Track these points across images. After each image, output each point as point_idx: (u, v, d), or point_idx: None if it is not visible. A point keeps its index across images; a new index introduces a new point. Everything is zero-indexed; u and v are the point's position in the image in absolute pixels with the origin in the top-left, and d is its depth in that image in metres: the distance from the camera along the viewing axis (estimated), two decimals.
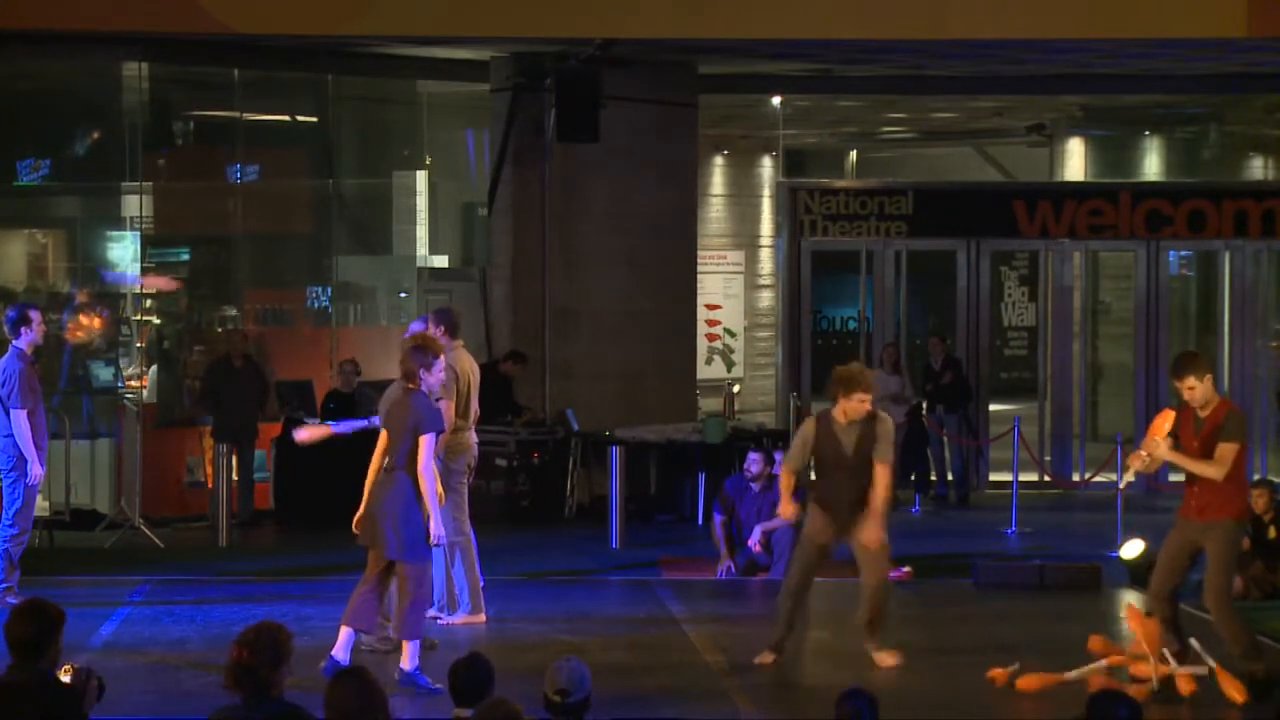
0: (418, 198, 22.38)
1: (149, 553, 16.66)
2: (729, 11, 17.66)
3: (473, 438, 13.19)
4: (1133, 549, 15.21)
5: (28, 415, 13.47)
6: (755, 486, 15.31)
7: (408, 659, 11.11)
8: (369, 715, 6.86)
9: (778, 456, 15.85)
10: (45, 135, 20.00)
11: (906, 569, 15.18)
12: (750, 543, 15.18)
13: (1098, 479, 19.92)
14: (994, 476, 21.19)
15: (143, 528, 17.27)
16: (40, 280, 20.66)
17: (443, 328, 13.08)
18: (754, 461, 15.46)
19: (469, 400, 13.10)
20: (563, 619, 13.39)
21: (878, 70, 21.06)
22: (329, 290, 21.08)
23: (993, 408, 22.19)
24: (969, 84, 21.99)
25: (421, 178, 22.36)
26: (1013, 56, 19.72)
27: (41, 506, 17.02)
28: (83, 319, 19.22)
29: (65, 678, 7.35)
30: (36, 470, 13.54)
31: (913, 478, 20.37)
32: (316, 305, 21.19)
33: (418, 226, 22.38)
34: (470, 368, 13.23)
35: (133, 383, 19.22)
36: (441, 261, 22.28)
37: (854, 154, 29.80)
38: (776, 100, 23.45)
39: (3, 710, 7.23)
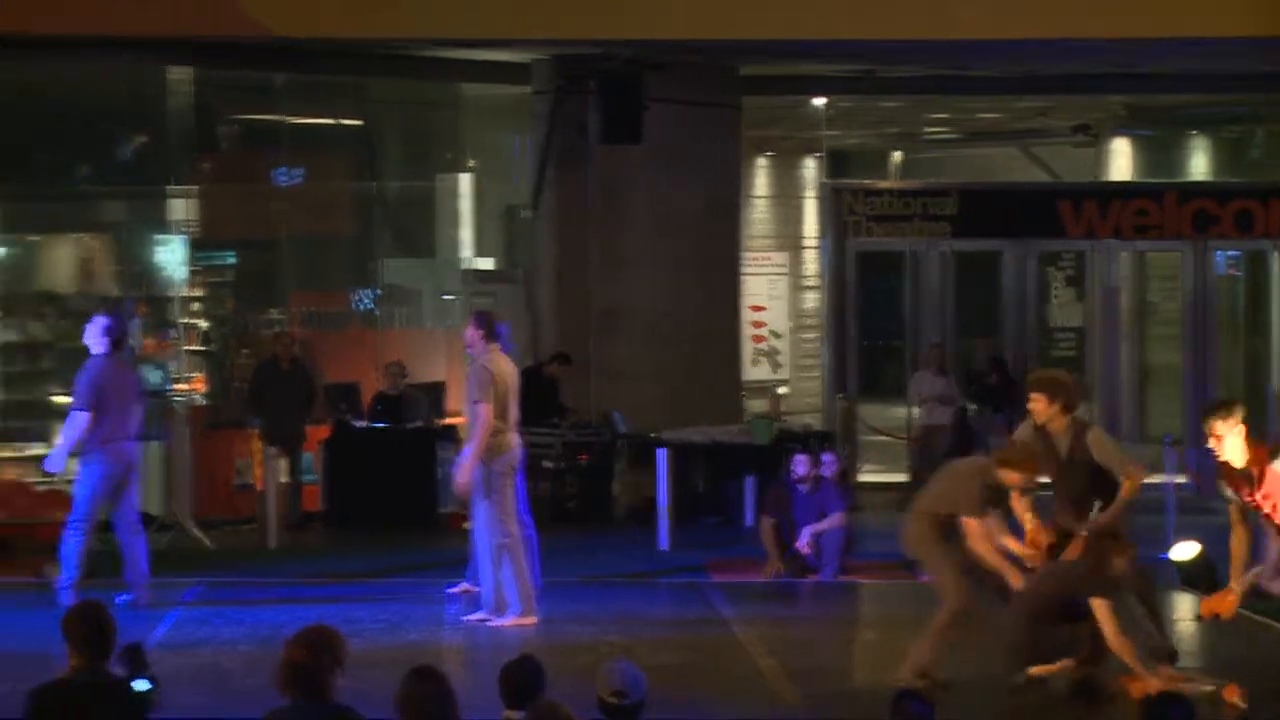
0: (461, 200, 22.41)
1: (199, 554, 16.72)
2: (771, 13, 17.64)
3: (515, 440, 13.18)
4: (1185, 550, 15.06)
5: (91, 416, 13.49)
6: (803, 488, 15.28)
7: None
8: (443, 715, 6.87)
9: (825, 458, 15.83)
10: (92, 140, 20.08)
11: None
12: (799, 545, 15.14)
13: (1146, 480, 19.76)
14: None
15: (192, 530, 17.34)
16: (89, 284, 20.74)
17: (481, 330, 13.09)
18: (800, 464, 15.42)
19: (507, 403, 13.09)
20: (612, 621, 13.37)
21: (920, 71, 21.01)
22: (375, 293, 21.12)
23: None
24: (1012, 84, 21.92)
25: (465, 180, 22.40)
26: (1056, 56, 19.66)
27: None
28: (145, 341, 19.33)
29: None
30: (54, 463, 13.62)
31: None
32: (362, 308, 21.24)
33: (462, 229, 22.41)
34: (509, 370, 13.23)
35: (181, 386, 19.28)
36: (486, 264, 22.30)
37: (898, 155, 29.75)
38: (819, 101, 23.42)
39: (67, 710, 7.27)
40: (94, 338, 13.66)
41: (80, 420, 13.48)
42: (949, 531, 10.93)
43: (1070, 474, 11.07)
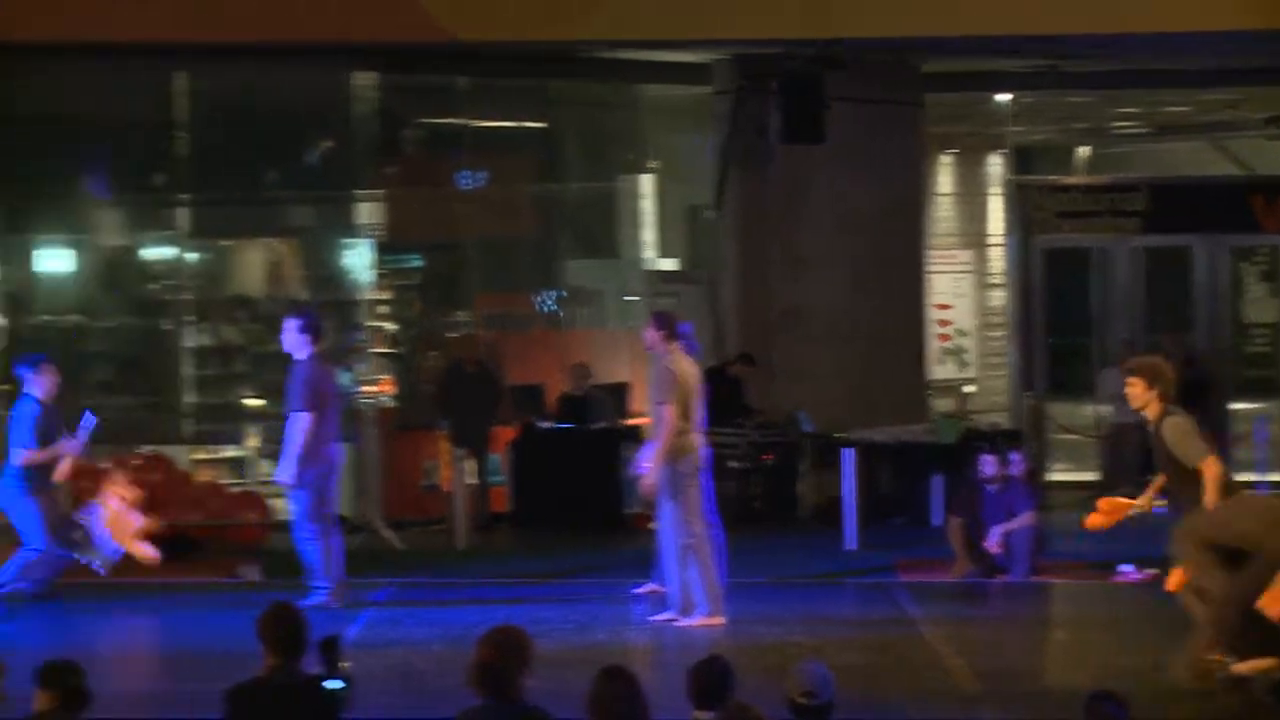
0: (643, 201, 22.46)
1: (390, 555, 16.89)
2: (954, 9, 17.52)
3: (698, 440, 13.14)
4: None
5: (309, 418, 13.56)
6: (992, 488, 15.13)
7: None
8: (634, 715, 6.88)
9: (1013, 457, 15.66)
10: (280, 145, 20.36)
11: (1152, 571, 14.89)
12: (989, 545, 14.99)
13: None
14: (1237, 476, 20.69)
15: (383, 530, 17.53)
16: (278, 287, 21.03)
17: (661, 331, 13.06)
18: (988, 464, 15.27)
19: (691, 403, 13.05)
20: (799, 621, 13.32)
21: (1106, 65, 20.74)
22: (558, 294, 21.22)
23: (1233, 406, 21.71)
24: (1203, 77, 21.57)
25: (647, 181, 22.44)
26: (1247, 48, 19.33)
27: (287, 511, 17.37)
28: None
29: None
30: (286, 474, 13.73)
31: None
32: (546, 309, 21.35)
33: (644, 230, 22.46)
34: (692, 370, 13.19)
35: (369, 388, 19.50)
36: (669, 264, 22.33)
37: (1084, 150, 29.36)
38: (1003, 97, 23.20)
39: (262, 709, 7.37)
40: (294, 340, 13.70)
41: (303, 422, 13.50)
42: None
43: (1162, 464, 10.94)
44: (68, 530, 13.96)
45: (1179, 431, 10.95)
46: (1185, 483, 10.85)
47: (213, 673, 10.77)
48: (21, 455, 13.73)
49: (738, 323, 20.04)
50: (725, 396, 18.42)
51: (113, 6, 17.62)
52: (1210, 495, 10.69)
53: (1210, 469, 10.77)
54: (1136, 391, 11.10)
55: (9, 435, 13.86)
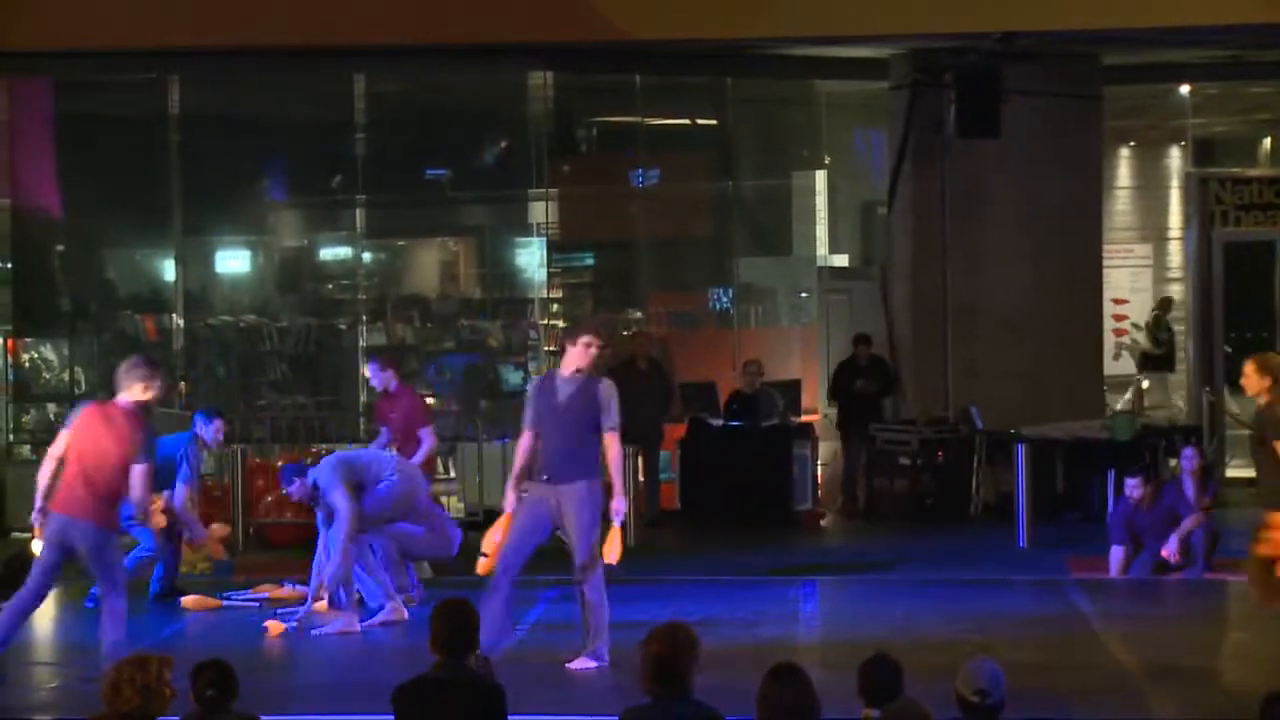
0: (817, 197, 22.41)
1: (559, 553, 16.93)
2: (1134, 0, 17.29)
3: None
4: None
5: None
6: (1141, 509, 14.86)
7: None
8: (805, 712, 6.89)
9: (1186, 452, 15.40)
10: (455, 145, 20.56)
11: None
12: (1166, 554, 14.71)
13: None
14: None
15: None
16: (452, 287, 21.23)
17: None
18: (1133, 487, 14.88)
19: None
20: (971, 618, 13.20)
21: None
22: (730, 291, 21.24)
23: None
24: None
25: (821, 177, 22.39)
26: None
27: (457, 508, 17.54)
28: None
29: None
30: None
31: None
32: (718, 307, 21.36)
33: (817, 226, 22.41)
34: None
35: None
36: (841, 261, 22.26)
37: (1267, 141, 28.87)
38: (1184, 89, 22.88)
39: (430, 705, 7.45)
40: None
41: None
42: None
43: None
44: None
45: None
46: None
47: (378, 670, 10.97)
48: (182, 492, 13.91)
49: (910, 318, 19.92)
50: (852, 387, 18.63)
51: (291, 10, 17.88)
52: None
53: None
54: (1250, 382, 11.26)
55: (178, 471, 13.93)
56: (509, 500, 11.44)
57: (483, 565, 11.42)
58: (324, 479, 12.84)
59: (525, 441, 11.39)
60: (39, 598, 11.01)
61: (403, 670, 7.87)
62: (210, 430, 14.27)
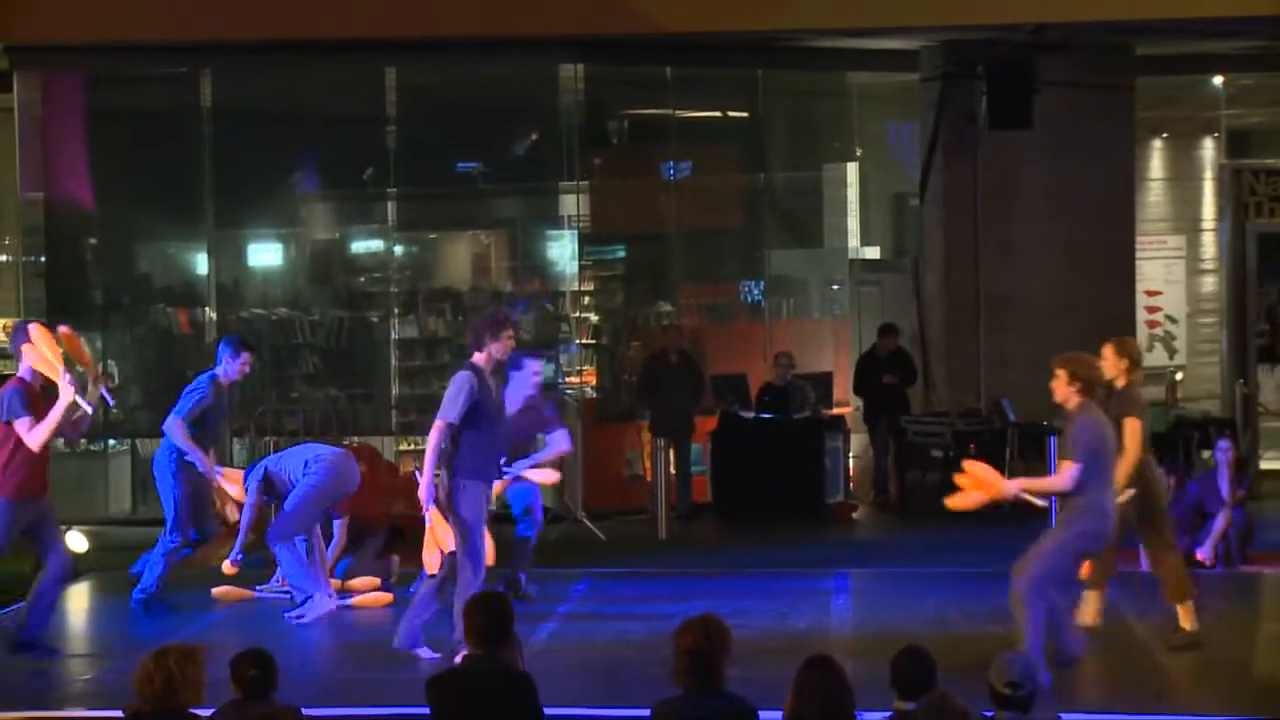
0: (848, 189, 22.38)
1: (593, 546, 16.98)
2: None
3: None
4: None
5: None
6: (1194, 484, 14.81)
7: None
8: (839, 704, 6.90)
9: (1221, 444, 15.33)
10: (486, 137, 20.55)
11: None
12: (1201, 557, 14.65)
13: None
14: None
15: (585, 521, 17.63)
16: (483, 279, 21.24)
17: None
18: (1222, 449, 14.83)
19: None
20: (1003, 611, 13.09)
21: None
22: (762, 284, 21.21)
23: None
24: None
25: (852, 169, 22.36)
26: None
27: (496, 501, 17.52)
28: None
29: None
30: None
31: None
32: (750, 299, 21.34)
33: (849, 218, 22.38)
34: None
35: (573, 379, 19.62)
36: (873, 253, 22.23)
37: None
38: (1217, 80, 22.80)
39: (464, 696, 7.46)
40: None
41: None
42: None
43: None
44: (205, 520, 13.41)
45: None
46: None
47: (404, 661, 10.99)
48: (174, 423, 13.06)
49: (942, 310, 19.89)
50: (876, 379, 18.73)
51: (323, 3, 17.91)
52: None
53: None
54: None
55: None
56: None
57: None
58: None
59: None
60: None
61: (440, 665, 7.88)
62: (235, 365, 13.23)
